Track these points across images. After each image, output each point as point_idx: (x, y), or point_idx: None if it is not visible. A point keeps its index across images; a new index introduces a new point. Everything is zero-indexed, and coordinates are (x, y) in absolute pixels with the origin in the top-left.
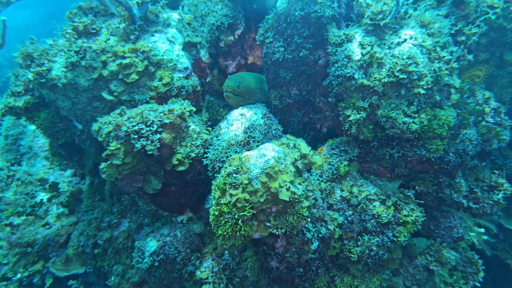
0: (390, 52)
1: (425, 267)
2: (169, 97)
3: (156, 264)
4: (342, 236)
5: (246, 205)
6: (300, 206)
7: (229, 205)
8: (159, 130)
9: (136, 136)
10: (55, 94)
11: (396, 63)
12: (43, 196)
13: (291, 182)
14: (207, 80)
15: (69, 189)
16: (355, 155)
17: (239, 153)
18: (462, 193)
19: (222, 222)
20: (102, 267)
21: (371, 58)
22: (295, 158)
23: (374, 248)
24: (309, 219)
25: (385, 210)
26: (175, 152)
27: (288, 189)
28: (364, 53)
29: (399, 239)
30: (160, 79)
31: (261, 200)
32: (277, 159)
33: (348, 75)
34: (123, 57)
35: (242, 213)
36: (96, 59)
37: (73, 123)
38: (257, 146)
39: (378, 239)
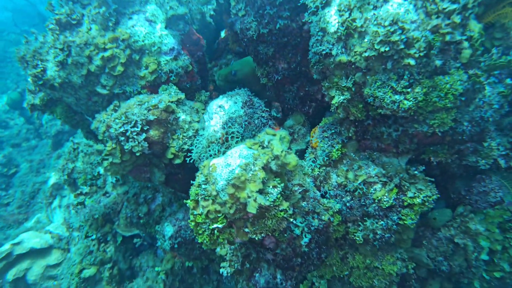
0: (375, 14)
1: (450, 240)
2: (159, 84)
3: (176, 246)
4: (346, 219)
5: (219, 215)
6: (277, 210)
7: (202, 216)
8: (145, 129)
9: (123, 138)
10: (58, 93)
11: (377, 32)
12: (99, 168)
13: (260, 191)
14: (215, 45)
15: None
16: (350, 135)
17: (213, 156)
18: (493, 157)
19: (200, 232)
20: (150, 232)
21: (347, 29)
22: (267, 160)
23: (379, 232)
24: (292, 219)
25: (386, 194)
26: (168, 146)
27: (255, 200)
28: (341, 22)
29: (405, 222)
30: (146, 67)
31: (231, 211)
32: (245, 167)
33: (323, 52)
34: (104, 49)
35: (214, 225)
36: (81, 54)
37: (85, 116)
38: (236, 143)
39: (382, 222)
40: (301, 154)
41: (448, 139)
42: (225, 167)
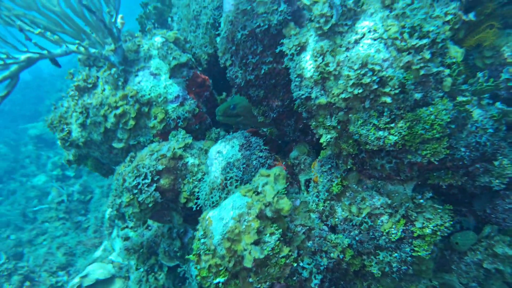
0: (347, 56)
1: (478, 264)
2: (169, 131)
3: None
4: (359, 252)
5: (220, 268)
6: (278, 257)
7: (205, 270)
8: (155, 179)
9: (136, 191)
10: (84, 150)
11: (348, 76)
12: None
13: (256, 241)
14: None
15: None
16: (349, 167)
17: (215, 203)
18: (507, 176)
19: (207, 285)
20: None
21: (321, 74)
22: (260, 209)
23: (395, 264)
24: (296, 263)
25: (393, 226)
26: (180, 191)
27: (250, 253)
28: (315, 67)
29: (419, 254)
30: (155, 117)
31: (230, 265)
32: (238, 218)
33: (303, 96)
34: (116, 107)
35: (217, 280)
36: (97, 114)
37: (111, 166)
38: (236, 187)
39: (396, 254)
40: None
41: (449, 164)
42: (219, 220)
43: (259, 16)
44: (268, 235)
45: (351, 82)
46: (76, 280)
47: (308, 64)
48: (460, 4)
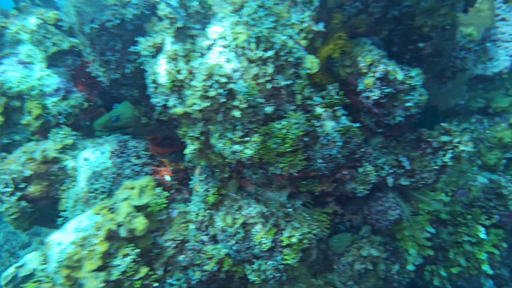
0: (201, 64)
1: (351, 265)
2: (49, 128)
3: None
4: (238, 261)
5: None
6: (132, 280)
7: None
8: (20, 187)
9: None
10: None
11: (196, 87)
12: None
13: (102, 267)
14: None
15: None
16: (226, 175)
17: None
18: (370, 182)
19: None
20: None
21: (173, 82)
22: (113, 228)
23: (269, 272)
24: (157, 284)
25: (265, 236)
26: (59, 198)
27: (91, 281)
28: (168, 73)
29: (288, 262)
30: (29, 113)
31: None
32: (81, 242)
33: (159, 104)
34: None
35: None
36: None
37: None
38: (102, 199)
39: (270, 262)
40: None
41: (312, 174)
42: (57, 245)
43: (108, 8)
44: (120, 257)
45: (198, 94)
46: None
47: (162, 69)
48: (314, 13)
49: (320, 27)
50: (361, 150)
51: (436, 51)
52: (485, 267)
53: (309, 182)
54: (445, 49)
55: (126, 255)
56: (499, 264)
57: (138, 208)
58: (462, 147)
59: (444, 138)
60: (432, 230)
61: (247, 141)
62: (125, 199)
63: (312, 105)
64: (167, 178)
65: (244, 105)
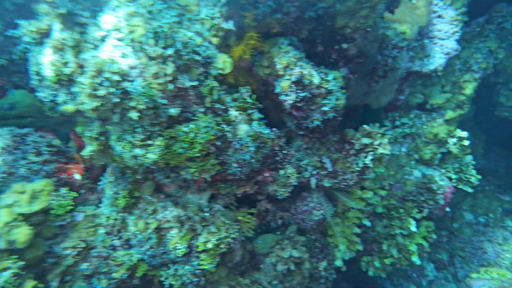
0: (94, 56)
1: (274, 266)
2: None
3: None
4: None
5: None
6: None
7: None
8: None
9: None
10: None
11: (83, 83)
12: None
13: None
14: None
15: None
16: (140, 177)
17: None
18: (290, 184)
19: None
20: None
21: (59, 76)
22: None
23: (186, 277)
24: None
25: (180, 241)
26: None
27: None
28: (53, 66)
29: (204, 268)
30: None
31: None
32: None
33: (47, 99)
34: None
35: None
36: None
37: None
38: None
39: (187, 267)
40: None
41: (230, 178)
42: None
43: None
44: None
45: (86, 92)
46: None
47: (47, 60)
48: (224, 9)
49: (230, 25)
50: (283, 152)
51: (360, 52)
52: (414, 258)
53: (227, 185)
54: (370, 50)
55: (5, 269)
56: (440, 250)
57: (26, 216)
58: (381, 150)
59: (365, 140)
60: (368, 224)
61: (149, 145)
62: (10, 205)
63: (223, 108)
64: (77, 176)
65: (142, 106)
